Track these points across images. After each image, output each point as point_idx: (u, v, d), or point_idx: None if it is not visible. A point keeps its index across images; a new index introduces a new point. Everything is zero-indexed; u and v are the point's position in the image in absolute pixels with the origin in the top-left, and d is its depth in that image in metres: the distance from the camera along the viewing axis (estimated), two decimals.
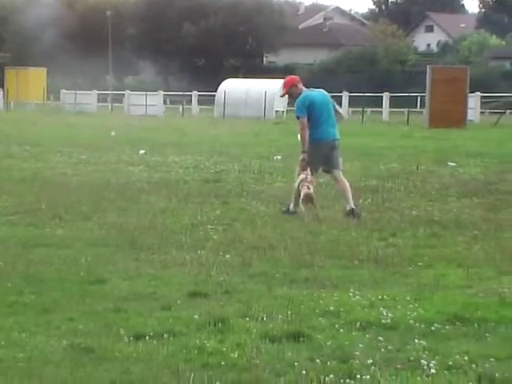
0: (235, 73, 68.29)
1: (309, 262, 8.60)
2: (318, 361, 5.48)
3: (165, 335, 5.98)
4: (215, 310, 6.64)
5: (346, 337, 6.02)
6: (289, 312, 6.62)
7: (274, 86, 52.17)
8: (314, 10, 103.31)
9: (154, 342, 5.87)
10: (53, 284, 7.48)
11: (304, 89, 12.23)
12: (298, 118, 12.13)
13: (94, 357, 5.56)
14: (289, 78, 12.56)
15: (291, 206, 12.01)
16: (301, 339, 5.94)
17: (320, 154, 11.99)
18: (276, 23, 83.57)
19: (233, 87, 53.03)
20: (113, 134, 28.26)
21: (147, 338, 5.93)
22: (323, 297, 7.14)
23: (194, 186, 15.31)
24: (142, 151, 22.03)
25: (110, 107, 60.24)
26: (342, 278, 7.88)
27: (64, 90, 58.74)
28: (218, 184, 15.66)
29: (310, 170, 11.79)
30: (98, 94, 60.17)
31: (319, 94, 12.31)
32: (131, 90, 58.89)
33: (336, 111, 12.39)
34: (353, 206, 11.79)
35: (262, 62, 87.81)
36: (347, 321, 6.42)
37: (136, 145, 23.71)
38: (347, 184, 12.07)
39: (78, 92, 58.69)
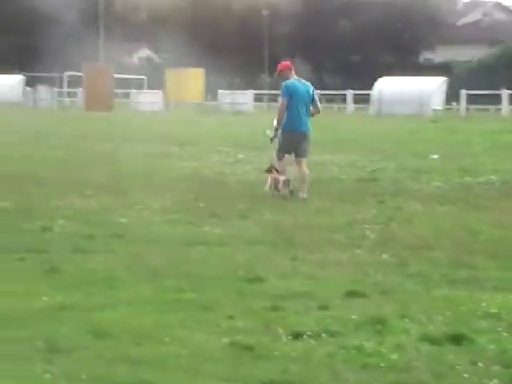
0: (390, 70, 67.51)
1: (468, 262, 8.40)
2: (480, 365, 5.34)
3: (323, 335, 5.97)
4: (373, 310, 6.58)
5: (510, 341, 5.84)
6: (448, 313, 6.48)
7: (431, 83, 51.37)
8: (473, 5, 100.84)
9: (312, 341, 5.87)
10: (212, 282, 7.59)
11: (295, 77, 13.63)
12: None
13: (253, 355, 5.60)
14: (285, 63, 14.15)
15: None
16: (462, 342, 5.80)
17: (291, 141, 13.40)
18: (432, 19, 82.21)
19: (389, 85, 52.57)
20: (268, 133, 28.51)
21: (305, 337, 5.94)
22: (484, 299, 6.96)
23: (349, 184, 15.24)
24: None
25: (265, 106, 60.81)
26: (503, 280, 7.65)
27: (221, 90, 59.73)
28: (374, 183, 15.53)
29: (278, 159, 13.41)
30: (254, 94, 60.86)
31: (303, 85, 13.62)
32: None
33: (314, 105, 13.66)
34: (305, 196, 13.00)
35: (418, 59, 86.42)
36: (510, 324, 6.22)
37: None
38: (307, 174, 13.40)
39: (234, 92, 59.58)
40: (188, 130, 31.08)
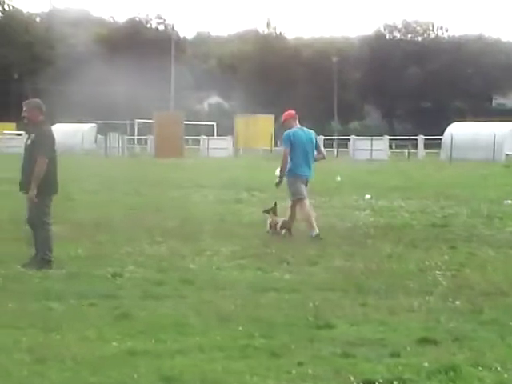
0: (461, 115, 67.12)
1: None
2: None
3: (394, 382, 5.89)
4: (445, 357, 6.48)
5: None
6: None
7: (504, 128, 50.85)
8: None
9: None
10: (281, 328, 7.57)
11: (298, 126, 14.26)
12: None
13: None
14: (290, 112, 14.57)
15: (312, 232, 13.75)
16: None
17: (300, 181, 14.10)
18: (504, 64, 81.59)
19: (460, 130, 52.24)
20: (338, 178, 28.49)
21: None
22: None
23: (421, 230, 15.10)
24: (367, 196, 22.03)
25: (335, 152, 60.85)
26: None
27: None
28: (446, 228, 15.36)
29: (299, 199, 13.97)
30: (324, 140, 60.97)
31: (305, 133, 14.26)
32: (356, 135, 59.22)
33: (318, 151, 14.39)
34: (317, 231, 13.65)
35: (491, 104, 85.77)
36: None
37: (361, 189, 23.76)
38: (311, 212, 14.12)
39: None
40: (257, 176, 31.20)
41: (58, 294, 9.04)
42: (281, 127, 15.05)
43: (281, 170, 14.22)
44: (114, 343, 7.00)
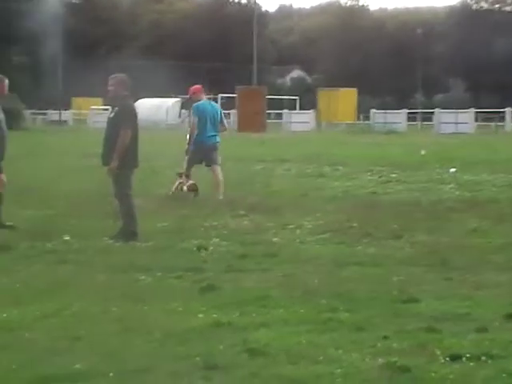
0: None
1: None
2: None
3: (482, 358, 5.82)
4: None
5: None
6: None
7: None
8: None
9: (471, 363, 5.74)
10: (365, 302, 7.55)
11: (204, 98, 15.97)
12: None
13: (409, 376, 5.52)
14: (197, 86, 16.23)
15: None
16: None
17: (200, 153, 15.68)
18: None
19: None
20: (422, 152, 28.16)
21: (463, 359, 5.81)
22: None
23: (508, 205, 14.84)
24: (452, 169, 21.74)
25: (419, 126, 60.14)
26: None
27: (374, 110, 59.48)
28: None
29: (188, 167, 15.71)
30: (408, 113, 60.29)
31: (211, 105, 16.17)
32: (441, 108, 58.44)
33: (221, 123, 15.99)
34: (221, 198, 15.20)
35: None
36: None
37: (446, 163, 23.45)
38: (221, 178, 15.60)
39: (387, 111, 59.19)
40: (340, 150, 31.10)
41: (145, 266, 9.18)
42: (189, 100, 16.87)
43: (189, 138, 15.82)
44: (200, 315, 7.08)
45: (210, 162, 15.94)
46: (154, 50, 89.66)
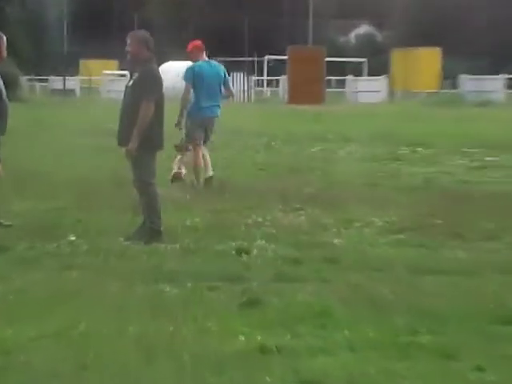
0: None
1: None
2: None
3: None
4: None
5: None
6: None
7: None
8: None
9: None
10: (453, 321, 7.51)
11: (205, 58, 16.04)
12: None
13: None
14: (195, 42, 16.32)
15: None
16: None
17: (200, 126, 15.83)
18: None
19: None
20: None
21: None
22: None
23: None
24: None
25: None
26: None
27: (463, 75, 59.04)
28: None
29: (193, 144, 15.82)
30: (507, 79, 59.75)
31: (212, 66, 16.08)
32: None
33: (226, 87, 16.14)
34: (211, 174, 15.80)
35: None
36: None
37: None
38: (208, 158, 15.95)
39: (480, 77, 58.73)
40: (420, 127, 30.95)
41: (171, 274, 9.19)
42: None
43: (181, 109, 15.76)
44: (240, 337, 7.07)
45: (204, 140, 16.21)
46: (183, 2, 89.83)
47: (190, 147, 15.90)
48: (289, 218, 12.65)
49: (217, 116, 16.13)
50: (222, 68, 16.30)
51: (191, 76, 15.88)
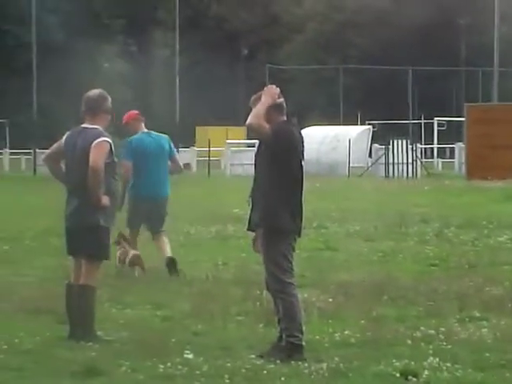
0: None
1: None
2: None
3: None
4: None
5: None
6: None
7: None
8: None
9: None
10: None
11: (144, 130, 17.05)
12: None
13: None
14: (132, 112, 17.38)
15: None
16: None
17: (140, 211, 16.83)
18: None
19: None
20: None
21: None
22: None
23: None
24: None
25: None
26: None
27: None
28: None
29: (130, 232, 16.86)
30: None
31: (154, 138, 17.09)
32: None
33: (173, 161, 17.12)
34: (169, 254, 16.54)
35: None
36: None
37: None
38: (168, 252, 16.65)
39: None
40: None
41: None
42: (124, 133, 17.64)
43: (121, 189, 15.87)
44: None
45: (152, 226, 17.03)
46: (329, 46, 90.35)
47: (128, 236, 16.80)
48: (468, 329, 12.53)
49: (164, 196, 17.00)
50: (166, 139, 17.24)
51: (129, 151, 16.75)
